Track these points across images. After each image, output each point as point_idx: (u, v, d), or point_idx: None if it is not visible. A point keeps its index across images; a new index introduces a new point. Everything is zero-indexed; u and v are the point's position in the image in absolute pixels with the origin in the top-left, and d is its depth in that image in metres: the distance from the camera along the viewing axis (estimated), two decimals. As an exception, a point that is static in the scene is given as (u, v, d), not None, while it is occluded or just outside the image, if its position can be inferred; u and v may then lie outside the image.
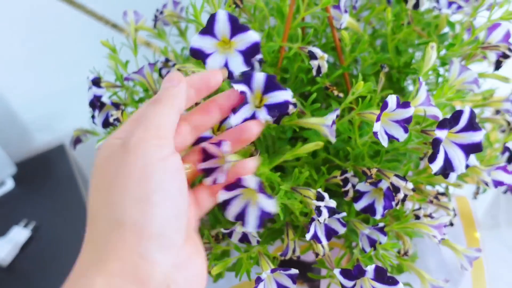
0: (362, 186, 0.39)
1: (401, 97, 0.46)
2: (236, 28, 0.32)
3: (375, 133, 0.33)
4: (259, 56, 0.41)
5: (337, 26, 0.44)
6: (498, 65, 0.44)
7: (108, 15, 0.89)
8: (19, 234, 0.81)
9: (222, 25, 0.33)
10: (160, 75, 0.49)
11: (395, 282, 0.34)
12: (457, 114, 0.34)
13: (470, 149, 0.35)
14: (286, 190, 0.37)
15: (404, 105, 0.34)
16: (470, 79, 0.43)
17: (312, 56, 0.41)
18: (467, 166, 0.36)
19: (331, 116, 0.36)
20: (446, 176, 0.36)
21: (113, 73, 0.51)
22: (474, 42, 0.44)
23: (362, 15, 0.53)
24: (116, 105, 0.47)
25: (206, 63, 0.34)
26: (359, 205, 0.40)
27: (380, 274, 0.34)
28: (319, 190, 0.36)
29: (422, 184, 0.44)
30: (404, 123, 0.35)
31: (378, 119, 0.33)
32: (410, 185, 0.36)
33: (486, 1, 0.46)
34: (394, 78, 0.49)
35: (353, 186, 0.39)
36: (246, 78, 0.32)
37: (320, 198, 0.35)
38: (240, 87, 0.31)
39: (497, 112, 0.53)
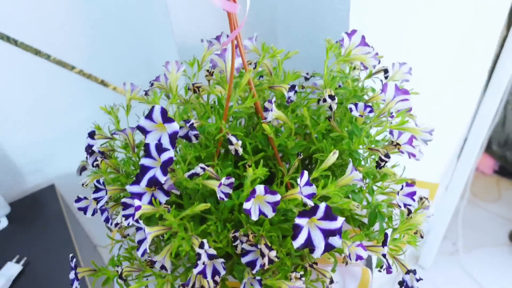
0: (246, 246, 0.47)
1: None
2: (166, 118, 0.45)
3: (245, 210, 0.43)
4: (194, 132, 0.51)
5: (267, 117, 0.52)
6: (378, 165, 0.52)
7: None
8: (12, 269, 0.88)
9: (157, 115, 0.46)
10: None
11: None
12: (315, 208, 0.43)
13: (328, 233, 0.43)
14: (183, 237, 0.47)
15: (272, 193, 0.44)
16: (357, 178, 0.50)
17: (229, 142, 0.50)
18: (331, 247, 0.44)
19: (223, 181, 0.45)
20: (312, 251, 0.44)
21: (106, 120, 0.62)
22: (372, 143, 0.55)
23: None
24: (101, 153, 0.57)
25: (146, 137, 0.47)
26: (244, 259, 0.48)
27: None
28: (204, 240, 0.45)
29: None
30: (274, 205, 0.44)
31: (248, 200, 0.43)
32: (273, 254, 0.45)
33: (384, 111, 0.57)
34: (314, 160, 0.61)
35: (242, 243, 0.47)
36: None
37: (201, 246, 0.45)
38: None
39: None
